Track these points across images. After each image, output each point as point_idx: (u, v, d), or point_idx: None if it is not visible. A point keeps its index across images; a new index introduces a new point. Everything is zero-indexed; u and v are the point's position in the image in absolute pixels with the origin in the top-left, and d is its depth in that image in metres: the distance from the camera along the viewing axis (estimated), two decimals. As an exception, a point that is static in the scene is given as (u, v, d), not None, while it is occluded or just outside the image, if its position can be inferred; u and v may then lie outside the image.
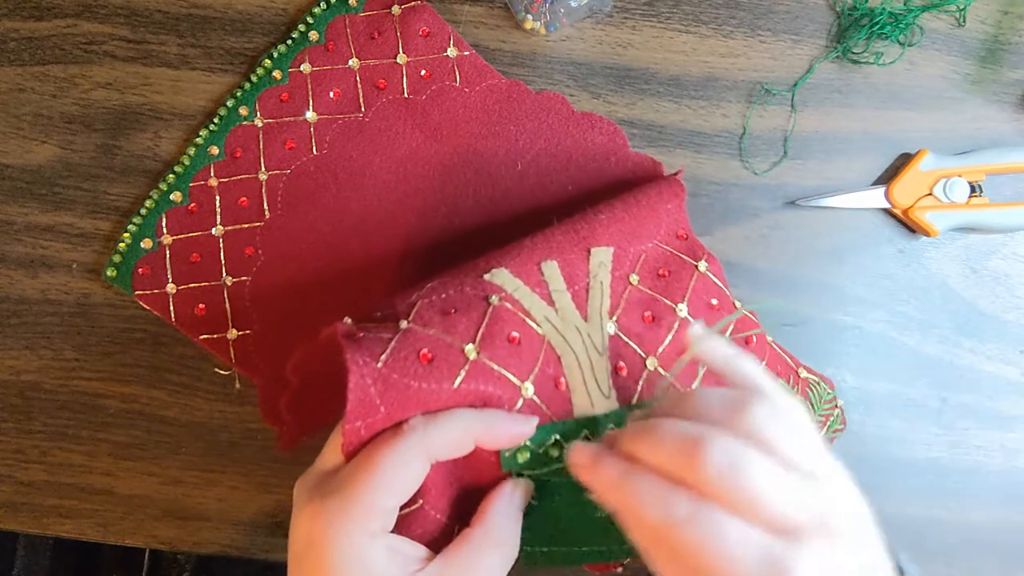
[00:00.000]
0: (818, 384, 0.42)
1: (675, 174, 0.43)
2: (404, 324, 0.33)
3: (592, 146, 0.46)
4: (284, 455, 0.44)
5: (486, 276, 0.36)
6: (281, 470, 0.45)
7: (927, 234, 0.46)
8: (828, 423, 0.42)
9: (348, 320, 0.33)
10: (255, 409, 0.45)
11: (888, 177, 0.47)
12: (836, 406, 0.43)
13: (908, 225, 0.47)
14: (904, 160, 0.47)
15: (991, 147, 0.47)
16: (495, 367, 0.33)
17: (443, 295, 0.35)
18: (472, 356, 0.33)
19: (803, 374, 0.42)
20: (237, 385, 0.45)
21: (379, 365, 0.31)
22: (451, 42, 0.46)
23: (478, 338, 0.33)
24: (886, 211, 0.47)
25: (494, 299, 0.35)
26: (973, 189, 0.46)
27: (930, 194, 0.46)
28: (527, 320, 0.35)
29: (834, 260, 0.46)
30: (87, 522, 0.45)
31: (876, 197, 0.46)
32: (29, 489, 0.45)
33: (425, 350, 0.32)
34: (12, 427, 0.45)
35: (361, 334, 0.32)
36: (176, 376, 0.45)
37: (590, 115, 0.46)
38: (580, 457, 0.31)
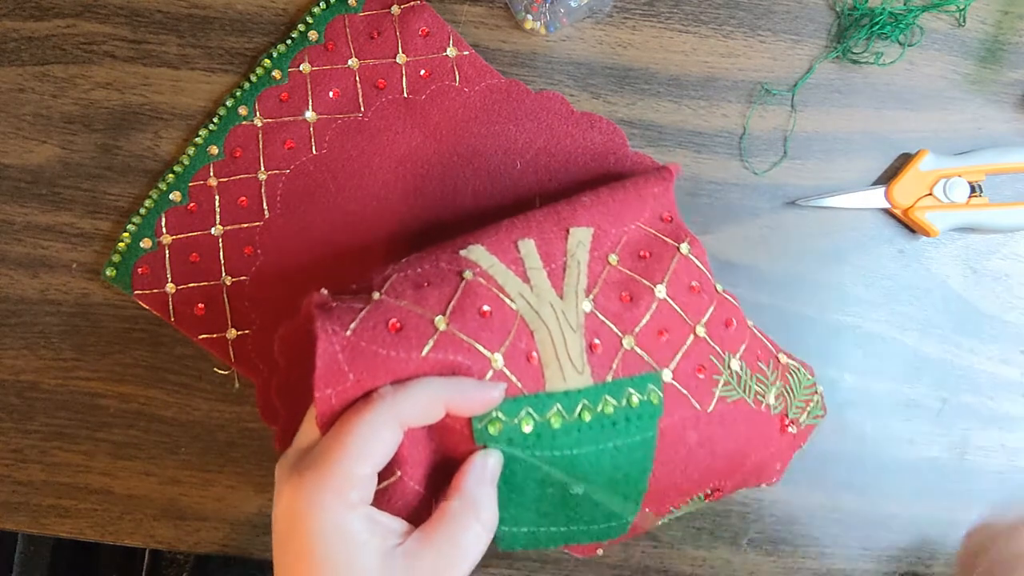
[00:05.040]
0: (798, 370, 0.42)
1: (667, 166, 0.43)
2: (376, 296, 0.34)
3: (591, 146, 0.46)
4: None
5: (462, 252, 0.37)
6: (280, 470, 0.45)
7: (927, 234, 0.46)
8: (808, 409, 0.42)
9: (324, 291, 0.34)
10: (253, 409, 0.45)
11: (888, 177, 0.47)
12: (816, 392, 0.43)
13: (908, 225, 0.47)
14: (904, 160, 0.47)
15: (991, 147, 0.47)
16: (464, 338, 0.33)
17: (418, 269, 0.36)
18: (441, 327, 0.33)
19: (783, 359, 0.42)
20: (236, 385, 0.45)
21: (348, 333, 0.31)
22: (450, 42, 0.46)
23: (448, 310, 0.34)
24: (886, 211, 0.47)
25: (468, 274, 0.35)
26: (973, 189, 0.46)
27: (930, 194, 0.46)
28: (500, 295, 0.35)
29: (834, 260, 0.46)
30: (85, 522, 0.45)
31: (876, 197, 0.46)
32: (27, 489, 0.45)
33: (394, 320, 0.33)
34: (11, 427, 0.45)
35: (334, 304, 0.33)
36: (175, 376, 0.45)
37: (589, 115, 0.46)
38: None
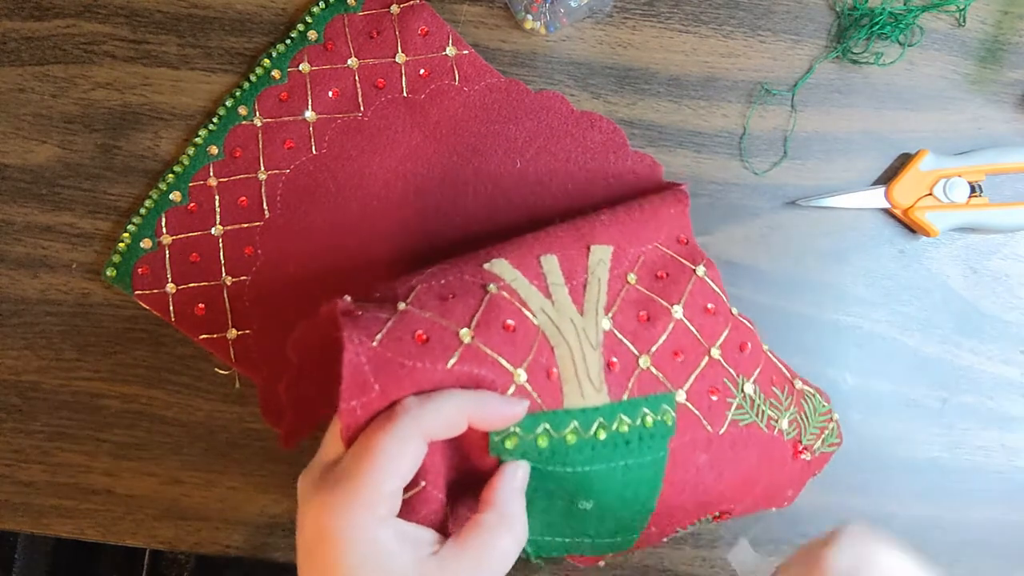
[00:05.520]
0: (813, 396, 0.42)
1: (679, 185, 0.43)
2: (402, 306, 0.34)
3: (591, 145, 0.46)
4: (283, 455, 0.44)
5: (485, 265, 0.37)
6: (280, 471, 0.45)
7: (927, 234, 0.46)
8: (823, 436, 0.42)
9: (348, 298, 0.33)
10: (255, 409, 0.45)
11: (888, 177, 0.47)
12: (831, 419, 0.43)
13: (908, 225, 0.47)
14: (904, 160, 0.47)
15: (991, 147, 0.47)
16: (489, 352, 0.33)
17: (442, 281, 0.36)
18: (466, 340, 0.33)
19: (799, 385, 0.42)
20: (237, 385, 0.45)
21: (374, 344, 0.31)
22: (450, 41, 0.46)
23: (473, 323, 0.34)
24: (886, 211, 0.47)
25: (492, 288, 0.35)
26: (973, 189, 0.46)
27: (930, 194, 0.46)
28: (523, 310, 0.35)
29: (834, 260, 0.46)
30: (87, 522, 0.45)
31: (876, 197, 0.46)
32: (29, 489, 0.45)
33: (420, 331, 0.32)
34: (12, 427, 0.45)
35: (359, 312, 0.33)
36: (176, 376, 0.45)
37: (589, 114, 0.46)
38: None
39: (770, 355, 0.42)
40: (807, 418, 0.41)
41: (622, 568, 0.45)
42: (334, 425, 0.33)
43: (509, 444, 0.33)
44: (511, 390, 0.34)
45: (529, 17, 0.46)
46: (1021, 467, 0.46)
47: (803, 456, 0.41)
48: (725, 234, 0.46)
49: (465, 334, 0.33)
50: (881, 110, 0.47)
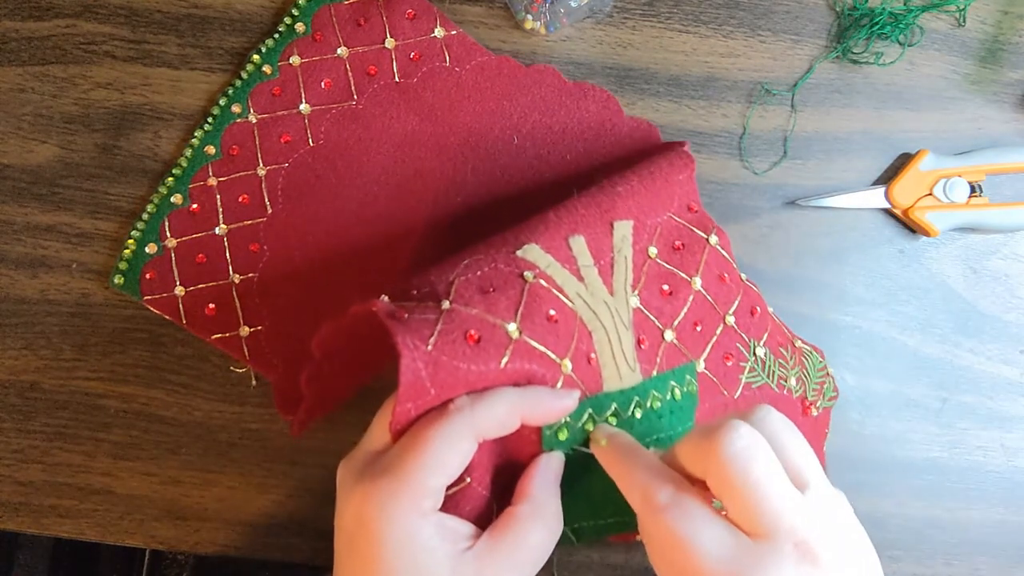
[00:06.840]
0: (811, 354, 0.44)
1: (682, 145, 0.43)
2: (446, 304, 0.33)
3: (587, 114, 0.46)
4: (282, 455, 0.44)
5: (518, 252, 0.36)
6: (279, 470, 0.45)
7: (927, 234, 0.46)
8: (823, 391, 0.43)
9: (385, 298, 0.33)
10: (255, 409, 0.45)
11: (888, 177, 0.47)
12: (828, 374, 0.44)
13: (908, 225, 0.47)
14: (904, 160, 0.47)
15: (991, 147, 0.47)
16: (537, 346, 0.33)
17: (477, 272, 0.35)
18: (515, 336, 0.33)
19: (798, 344, 0.43)
20: (253, 383, 0.45)
21: (429, 348, 0.31)
22: (438, 22, 0.46)
23: (518, 317, 0.33)
24: (886, 211, 0.47)
25: (529, 276, 0.35)
26: (973, 189, 0.46)
27: (930, 194, 0.46)
28: (561, 297, 0.35)
29: (834, 260, 0.46)
30: (86, 522, 0.45)
31: (876, 197, 0.46)
32: (28, 489, 0.45)
33: (471, 331, 0.32)
34: (11, 427, 0.45)
35: (405, 315, 0.32)
36: (175, 376, 0.45)
37: (582, 84, 0.46)
38: (599, 433, 0.33)
39: (774, 317, 0.43)
40: (808, 375, 0.43)
41: (623, 569, 0.45)
42: (381, 415, 0.33)
43: (562, 436, 0.34)
44: (560, 382, 0.34)
45: (529, 17, 0.46)
46: (1020, 467, 0.46)
47: (811, 412, 0.42)
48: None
49: (513, 330, 0.33)
50: (881, 110, 0.47)
